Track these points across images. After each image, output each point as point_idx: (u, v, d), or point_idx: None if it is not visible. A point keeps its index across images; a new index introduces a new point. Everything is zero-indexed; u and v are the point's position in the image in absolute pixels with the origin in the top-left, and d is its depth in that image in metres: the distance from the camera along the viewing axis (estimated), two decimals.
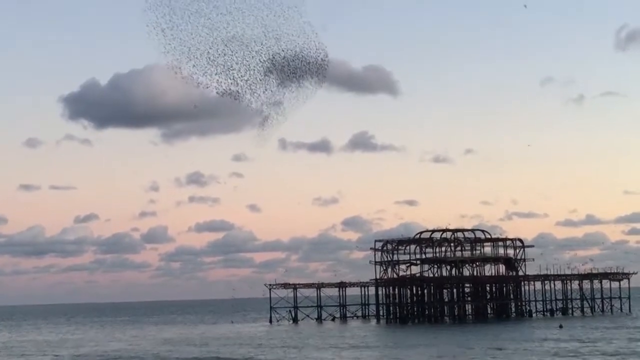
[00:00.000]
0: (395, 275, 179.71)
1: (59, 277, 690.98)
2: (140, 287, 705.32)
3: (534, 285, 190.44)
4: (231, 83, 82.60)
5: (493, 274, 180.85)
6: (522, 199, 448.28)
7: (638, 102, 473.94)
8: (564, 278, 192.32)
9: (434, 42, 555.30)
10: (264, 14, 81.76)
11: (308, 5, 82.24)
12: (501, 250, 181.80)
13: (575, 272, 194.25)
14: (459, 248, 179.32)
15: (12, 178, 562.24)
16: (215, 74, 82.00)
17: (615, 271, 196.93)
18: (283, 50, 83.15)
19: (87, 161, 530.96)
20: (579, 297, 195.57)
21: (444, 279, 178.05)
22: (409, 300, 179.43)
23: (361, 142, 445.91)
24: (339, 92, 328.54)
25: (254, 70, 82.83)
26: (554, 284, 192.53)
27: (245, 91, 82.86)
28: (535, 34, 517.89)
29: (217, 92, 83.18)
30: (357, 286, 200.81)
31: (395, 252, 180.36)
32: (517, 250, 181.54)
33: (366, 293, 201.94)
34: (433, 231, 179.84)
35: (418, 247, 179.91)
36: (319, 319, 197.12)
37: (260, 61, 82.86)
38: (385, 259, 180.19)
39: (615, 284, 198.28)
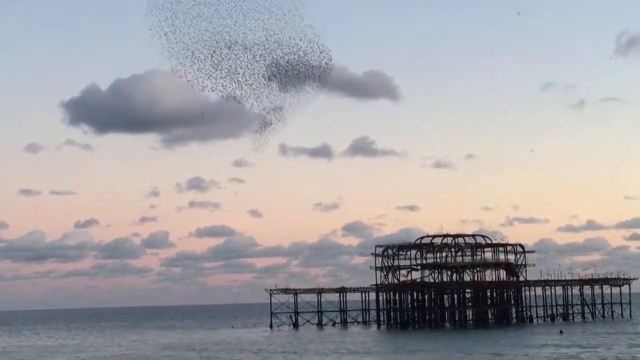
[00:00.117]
0: (395, 281, 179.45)
1: (60, 282, 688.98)
2: (140, 292, 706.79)
3: (535, 290, 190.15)
4: (235, 87, 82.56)
5: (494, 280, 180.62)
6: (523, 205, 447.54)
7: (638, 107, 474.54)
8: (565, 283, 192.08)
9: (435, 48, 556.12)
10: (265, 17, 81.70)
11: (308, 10, 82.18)
12: (502, 256, 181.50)
13: (576, 277, 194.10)
14: (459, 253, 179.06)
15: (13, 183, 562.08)
16: (220, 78, 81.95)
17: (616, 277, 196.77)
18: (286, 55, 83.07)
19: (88, 166, 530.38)
20: (579, 302, 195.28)
21: (444, 284, 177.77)
22: (409, 306, 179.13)
23: (362, 147, 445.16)
24: (340, 97, 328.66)
25: (257, 74, 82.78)
26: (555, 290, 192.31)
27: (249, 95, 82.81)
28: (536, 39, 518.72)
29: (222, 96, 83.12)
30: (358, 291, 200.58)
31: (395, 257, 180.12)
32: (518, 256, 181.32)
33: (367, 298, 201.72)
34: (434, 236, 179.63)
35: (419, 253, 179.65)
36: (320, 325, 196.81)
37: (265, 65, 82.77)
38: (386, 265, 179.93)
39: (615, 290, 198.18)
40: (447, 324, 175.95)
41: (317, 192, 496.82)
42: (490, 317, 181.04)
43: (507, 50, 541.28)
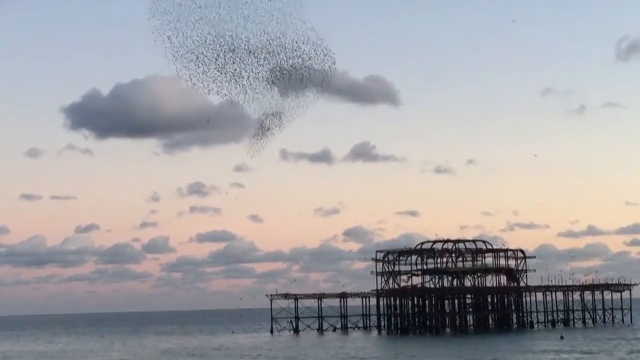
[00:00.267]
0: (396, 286, 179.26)
1: (60, 287, 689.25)
2: (141, 297, 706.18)
3: (536, 296, 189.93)
4: (240, 91, 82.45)
5: (494, 285, 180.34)
6: (524, 210, 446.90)
7: (639, 113, 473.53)
8: (566, 289, 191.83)
9: (435, 53, 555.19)
10: (266, 20, 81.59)
11: (308, 15, 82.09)
12: (502, 261, 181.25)
13: (577, 283, 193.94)
14: (460, 259, 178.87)
15: (14, 188, 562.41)
16: (225, 82, 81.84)
17: (617, 282, 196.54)
18: (290, 58, 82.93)
19: (88, 171, 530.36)
20: (580, 308, 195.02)
21: (445, 289, 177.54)
22: (410, 311, 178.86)
23: (362, 153, 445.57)
24: (340, 102, 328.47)
25: (260, 79, 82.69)
26: (556, 295, 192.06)
27: (252, 100, 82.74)
28: (536, 45, 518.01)
29: (227, 100, 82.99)
30: (359, 297, 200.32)
31: (396, 262, 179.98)
32: (519, 261, 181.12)
33: (367, 304, 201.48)
34: (434, 242, 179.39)
35: (419, 258, 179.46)
36: (320, 330, 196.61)
37: (269, 68, 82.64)
38: (387, 270, 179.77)
39: (616, 295, 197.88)
40: (448, 330, 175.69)
41: (318, 198, 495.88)
42: (491, 322, 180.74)
43: (507, 55, 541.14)
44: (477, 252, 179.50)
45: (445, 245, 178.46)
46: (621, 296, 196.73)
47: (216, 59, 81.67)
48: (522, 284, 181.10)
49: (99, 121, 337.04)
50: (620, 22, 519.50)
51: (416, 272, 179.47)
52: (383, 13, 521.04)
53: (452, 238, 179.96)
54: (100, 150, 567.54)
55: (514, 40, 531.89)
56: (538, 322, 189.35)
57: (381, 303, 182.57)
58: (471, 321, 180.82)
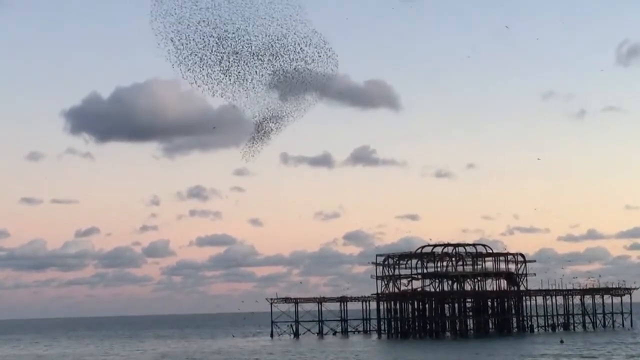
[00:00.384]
0: (396, 290, 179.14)
1: (60, 291, 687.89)
2: (141, 301, 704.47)
3: (536, 300, 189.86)
4: (243, 94, 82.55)
5: (495, 289, 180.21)
6: (524, 214, 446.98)
7: (639, 117, 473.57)
8: (566, 293, 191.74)
9: (435, 57, 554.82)
10: (267, 22, 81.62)
11: (308, 17, 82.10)
12: (503, 265, 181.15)
13: (577, 287, 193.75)
14: (460, 263, 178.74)
15: (14, 191, 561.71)
16: (230, 84, 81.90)
17: (617, 286, 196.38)
18: (294, 61, 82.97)
19: (89, 175, 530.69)
20: (580, 312, 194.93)
21: (445, 293, 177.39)
22: (410, 315, 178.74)
23: (363, 157, 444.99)
24: (341, 106, 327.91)
25: (263, 82, 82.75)
26: (556, 299, 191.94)
27: (254, 103, 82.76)
28: (536, 49, 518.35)
29: (229, 104, 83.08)
30: (359, 301, 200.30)
31: (396, 266, 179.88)
32: (519, 265, 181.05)
33: (367, 307, 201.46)
34: (435, 245, 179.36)
35: (419, 262, 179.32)
36: (320, 334, 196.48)
37: (272, 71, 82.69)
38: (387, 274, 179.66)
39: (616, 299, 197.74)
40: (448, 334, 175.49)
41: (318, 201, 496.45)
42: (491, 326, 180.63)
43: (508, 60, 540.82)
44: (478, 256, 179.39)
45: (446, 249, 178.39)
46: (621, 300, 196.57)
47: (220, 62, 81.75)
48: (522, 288, 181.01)
49: (99, 125, 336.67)
50: (620, 27, 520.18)
51: (416, 276, 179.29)
52: (383, 17, 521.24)
53: (452, 242, 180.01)
54: (101, 154, 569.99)
55: (515, 45, 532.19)
56: (538, 326, 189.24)
57: (381, 307, 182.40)
58: (471, 325, 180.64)
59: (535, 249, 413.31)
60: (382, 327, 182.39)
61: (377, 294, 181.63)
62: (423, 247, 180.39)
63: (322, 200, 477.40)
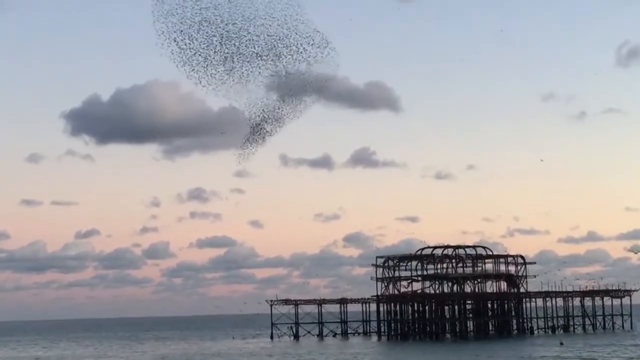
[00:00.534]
0: (396, 292, 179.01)
1: (60, 292, 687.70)
2: (141, 302, 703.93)
3: (536, 302, 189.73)
4: (244, 95, 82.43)
5: (495, 291, 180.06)
6: (524, 216, 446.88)
7: (639, 118, 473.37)
8: (566, 295, 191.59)
9: (436, 59, 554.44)
10: (268, 22, 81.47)
11: (308, 18, 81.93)
12: (503, 267, 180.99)
13: (577, 289, 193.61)
14: (460, 264, 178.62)
15: (14, 193, 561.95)
16: (232, 84, 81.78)
17: (617, 288, 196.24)
18: (297, 62, 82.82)
19: (89, 177, 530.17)
20: (580, 314, 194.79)
21: (445, 295, 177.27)
22: (410, 317, 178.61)
23: (363, 158, 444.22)
24: (341, 108, 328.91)
25: (264, 83, 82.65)
26: (556, 301, 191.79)
27: (254, 105, 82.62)
28: (537, 51, 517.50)
29: (230, 105, 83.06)
30: (359, 302, 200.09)
31: (396, 268, 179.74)
32: (519, 267, 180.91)
33: (367, 309, 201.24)
34: (434, 247, 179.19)
35: (419, 264, 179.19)
36: (320, 336, 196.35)
37: (274, 71, 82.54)
38: (387, 276, 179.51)
39: (616, 301, 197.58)
40: (448, 336, 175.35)
41: (318, 203, 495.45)
42: (491, 328, 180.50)
43: (508, 61, 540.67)
44: (477, 258, 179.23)
45: (446, 251, 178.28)
46: (621, 302, 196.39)
47: (224, 62, 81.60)
48: (522, 289, 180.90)
49: (99, 126, 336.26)
50: (620, 28, 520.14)
51: (416, 278, 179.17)
52: (383, 19, 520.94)
53: (452, 244, 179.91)
54: (101, 155, 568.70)
55: (515, 46, 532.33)
56: (538, 328, 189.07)
57: (381, 309, 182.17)
58: (471, 327, 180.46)
59: (535, 251, 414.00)
60: (382, 329, 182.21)
61: (377, 295, 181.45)
62: (423, 249, 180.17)
63: (322, 202, 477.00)
